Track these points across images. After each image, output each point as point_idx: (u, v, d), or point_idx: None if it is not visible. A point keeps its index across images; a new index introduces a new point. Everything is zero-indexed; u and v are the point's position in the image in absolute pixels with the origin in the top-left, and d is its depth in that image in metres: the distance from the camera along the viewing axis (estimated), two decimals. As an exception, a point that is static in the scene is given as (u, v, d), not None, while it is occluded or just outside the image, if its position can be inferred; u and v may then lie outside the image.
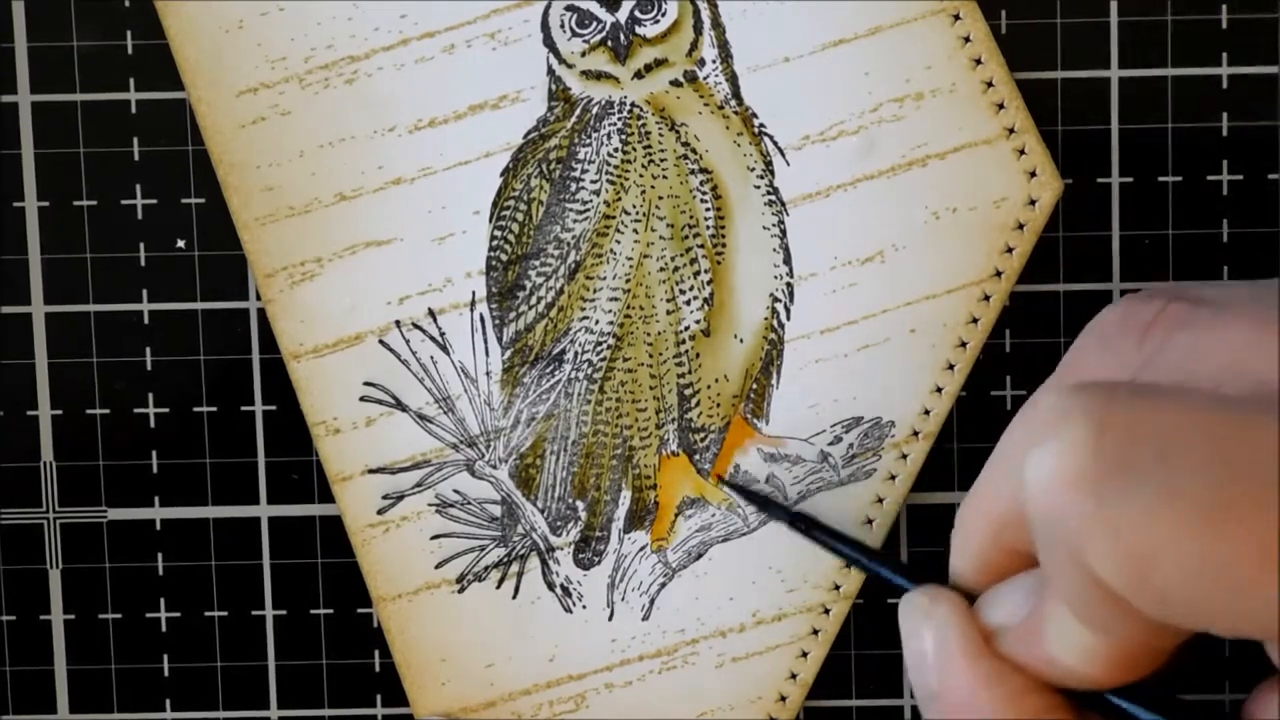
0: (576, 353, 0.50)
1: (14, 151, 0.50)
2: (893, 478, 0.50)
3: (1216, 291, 0.42)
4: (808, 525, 0.48)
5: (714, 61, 0.49)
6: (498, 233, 0.50)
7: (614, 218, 0.49)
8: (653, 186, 0.49)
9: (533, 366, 0.50)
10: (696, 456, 0.50)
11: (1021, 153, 0.49)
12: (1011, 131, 0.49)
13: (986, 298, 0.49)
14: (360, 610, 0.51)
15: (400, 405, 0.50)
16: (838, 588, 0.50)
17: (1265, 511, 0.36)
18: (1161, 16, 0.49)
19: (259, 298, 0.50)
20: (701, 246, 0.49)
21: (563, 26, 0.49)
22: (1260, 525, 0.36)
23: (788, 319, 0.49)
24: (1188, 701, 0.41)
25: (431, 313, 0.50)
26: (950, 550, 0.44)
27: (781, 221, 0.49)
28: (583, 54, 0.49)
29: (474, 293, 0.50)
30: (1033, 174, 0.49)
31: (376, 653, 0.52)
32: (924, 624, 0.43)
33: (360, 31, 0.49)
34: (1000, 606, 0.42)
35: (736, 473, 0.50)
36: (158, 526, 0.51)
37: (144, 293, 0.51)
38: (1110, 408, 0.38)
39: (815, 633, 0.50)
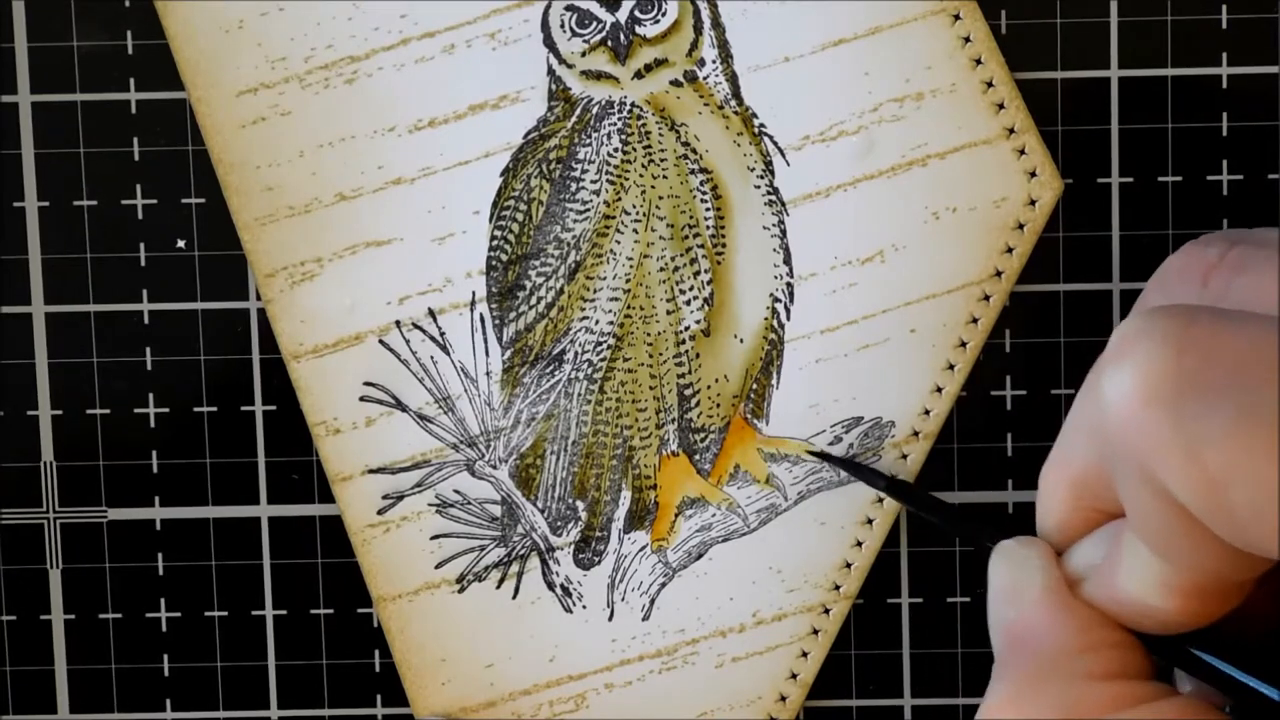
0: (576, 353, 0.50)
1: (14, 151, 0.50)
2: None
3: (1275, 236, 0.43)
4: (902, 490, 0.48)
5: (714, 61, 0.49)
6: (498, 233, 0.50)
7: (614, 218, 0.49)
8: (653, 186, 0.49)
9: (533, 366, 0.50)
10: (696, 456, 0.50)
11: (1021, 153, 0.49)
12: (1011, 131, 0.49)
13: (986, 298, 0.49)
14: (360, 610, 0.51)
15: (400, 405, 0.50)
16: (838, 588, 0.50)
17: None
18: (1161, 16, 0.49)
19: (259, 298, 0.50)
20: (701, 246, 0.49)
21: (563, 26, 0.49)
22: None
23: (788, 319, 0.49)
24: (1263, 654, 0.41)
25: (431, 313, 0.50)
26: (1035, 513, 0.44)
27: (781, 221, 0.49)
28: (583, 54, 0.49)
29: (474, 293, 0.50)
30: (1033, 174, 0.49)
31: (376, 653, 0.52)
32: (1010, 561, 0.43)
33: (360, 31, 0.49)
34: (1081, 554, 0.42)
35: (737, 473, 0.50)
36: (158, 526, 0.51)
37: (144, 293, 0.51)
38: (1190, 327, 0.38)
39: (815, 633, 0.50)
